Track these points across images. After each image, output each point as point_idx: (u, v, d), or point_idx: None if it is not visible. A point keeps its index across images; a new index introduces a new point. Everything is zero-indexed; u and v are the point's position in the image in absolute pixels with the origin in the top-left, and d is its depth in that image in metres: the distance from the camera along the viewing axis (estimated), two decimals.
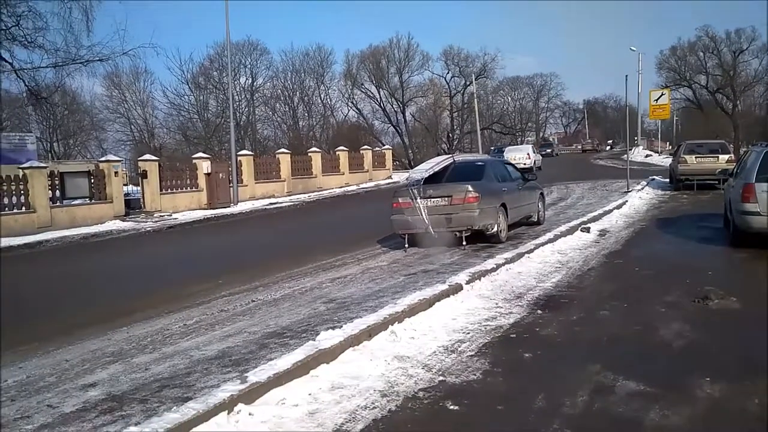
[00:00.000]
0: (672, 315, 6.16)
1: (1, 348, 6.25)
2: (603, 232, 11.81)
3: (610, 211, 14.41)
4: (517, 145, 52.01)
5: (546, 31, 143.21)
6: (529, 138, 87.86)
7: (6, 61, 22.00)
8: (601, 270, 8.65)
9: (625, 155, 27.11)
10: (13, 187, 18.42)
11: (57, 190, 19.82)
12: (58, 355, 6.12)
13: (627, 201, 16.41)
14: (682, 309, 6.38)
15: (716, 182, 18.26)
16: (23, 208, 18.57)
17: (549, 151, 65.85)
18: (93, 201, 20.75)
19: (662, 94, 25.03)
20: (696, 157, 20.26)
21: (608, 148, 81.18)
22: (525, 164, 36.06)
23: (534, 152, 41.25)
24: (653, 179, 23.66)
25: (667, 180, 22.78)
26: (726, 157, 19.92)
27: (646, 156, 47.82)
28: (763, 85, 63.46)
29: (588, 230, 11.65)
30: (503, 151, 39.85)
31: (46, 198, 19.17)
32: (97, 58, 22.77)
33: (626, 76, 22.74)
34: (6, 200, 18.26)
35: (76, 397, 4.86)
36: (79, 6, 22.30)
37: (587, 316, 6.31)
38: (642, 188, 20.35)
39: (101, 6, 30.59)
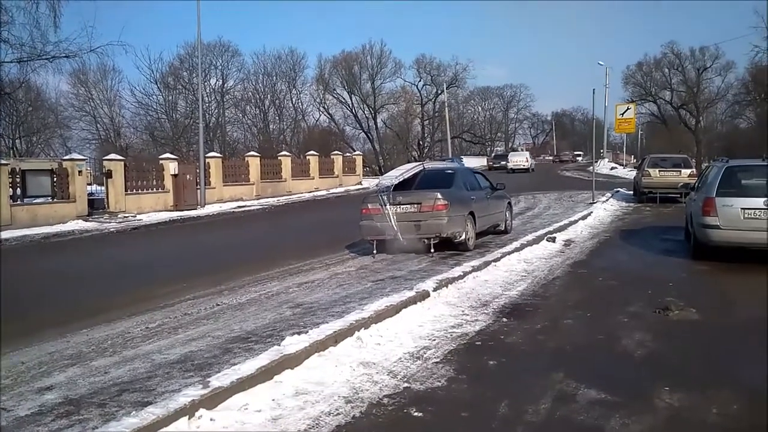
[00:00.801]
0: (634, 325, 6.27)
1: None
2: (568, 242, 11.98)
3: (576, 221, 14.63)
4: (518, 151, 63.62)
5: (517, 43, 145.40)
6: (498, 148, 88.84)
7: None
8: (566, 279, 8.77)
9: (591, 167, 27.59)
10: None
11: (18, 188, 19.32)
12: (14, 357, 5.94)
13: (592, 212, 16.68)
14: (644, 319, 6.50)
15: (678, 195, 18.70)
16: None
17: (503, 163, 53.44)
18: (55, 200, 20.26)
19: (628, 108, 25.49)
20: (659, 171, 20.70)
21: (579, 158, 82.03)
22: (524, 166, 48.32)
23: (530, 157, 52.44)
24: (618, 191, 24.13)
25: (631, 192, 23.24)
26: (688, 171, 20.39)
27: (612, 168, 48.76)
28: (725, 102, 65.23)
29: (554, 240, 11.81)
30: (461, 160, 42.29)
31: (6, 196, 18.66)
32: (64, 55, 22.29)
33: (593, 89, 23.32)
34: None
35: (32, 401, 4.72)
36: (46, 2, 21.85)
37: (551, 325, 6.39)
38: (607, 200, 20.74)
39: (69, 2, 29.90)
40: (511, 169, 49.15)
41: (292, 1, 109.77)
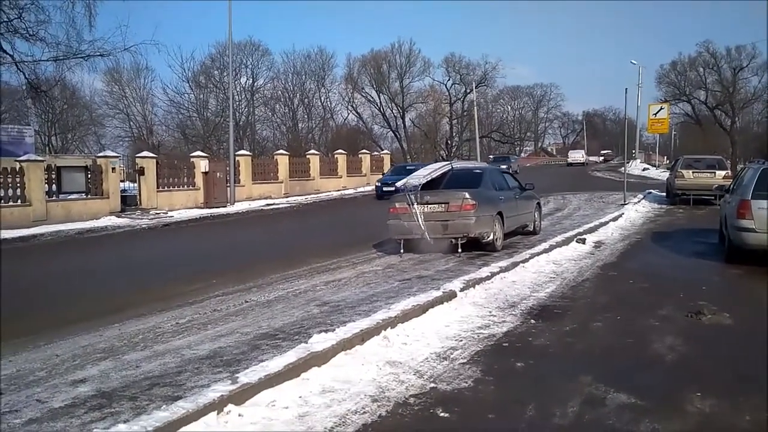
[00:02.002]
0: (665, 329, 6.17)
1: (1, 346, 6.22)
2: (598, 244, 11.83)
3: (606, 223, 14.43)
4: (577, 149, 72.77)
5: (548, 42, 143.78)
6: (527, 147, 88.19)
7: (7, 53, 21.92)
8: (596, 281, 8.66)
9: (623, 168, 27.18)
10: (10, 180, 18.37)
11: (53, 184, 19.78)
12: (49, 350, 6.09)
13: (623, 213, 16.44)
14: (675, 323, 6.39)
15: (712, 198, 18.30)
16: (19, 201, 18.53)
17: (505, 167, 57.38)
18: (89, 196, 20.69)
19: (661, 108, 25.23)
20: (693, 172, 20.32)
21: (601, 159, 78.46)
22: (580, 160, 63.34)
23: (585, 154, 67.68)
24: (650, 192, 23.72)
25: (664, 194, 22.83)
26: (723, 173, 19.99)
27: (644, 169, 47.96)
28: (761, 102, 63.85)
29: (583, 241, 11.67)
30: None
31: (42, 192, 19.12)
32: (98, 53, 22.68)
33: (626, 89, 22.95)
34: (2, 192, 18.20)
35: (66, 393, 4.83)
36: (82, 2, 22.29)
37: (580, 328, 6.31)
38: (638, 201, 20.40)
39: (104, 1, 30.52)
40: (570, 162, 63.17)
41: (321, 1, 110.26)
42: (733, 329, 6.22)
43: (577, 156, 65.50)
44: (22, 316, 7.90)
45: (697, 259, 10.44)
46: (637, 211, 17.74)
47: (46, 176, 19.46)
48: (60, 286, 10.00)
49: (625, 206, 18.71)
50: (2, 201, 18.12)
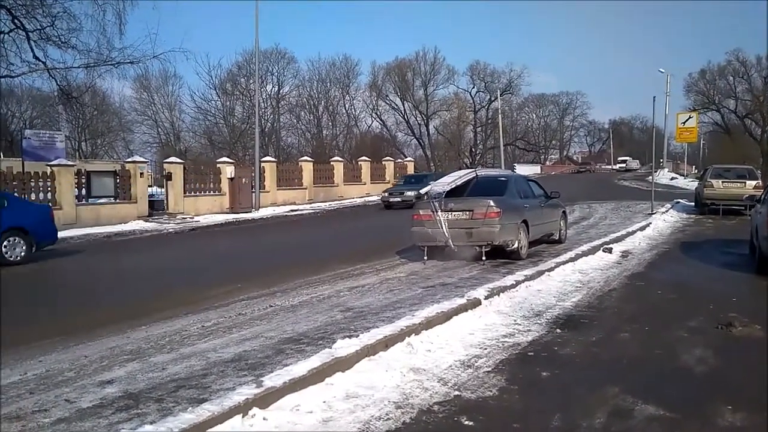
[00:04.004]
0: (694, 340, 6.06)
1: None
2: (625, 254, 11.67)
3: (634, 232, 14.24)
4: (629, 158, 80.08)
5: (574, 50, 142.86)
6: (552, 155, 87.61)
7: (40, 60, 22.50)
8: (623, 291, 8.54)
9: (651, 177, 26.81)
10: (41, 184, 18.76)
11: (83, 189, 20.15)
12: (78, 351, 6.18)
13: (651, 223, 16.21)
14: (705, 335, 6.27)
15: (743, 208, 17.95)
16: (50, 204, 18.90)
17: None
18: (118, 201, 21.05)
19: (690, 117, 24.78)
20: (723, 182, 19.97)
21: (616, 167, 77.54)
22: (631, 168, 72.78)
23: (638, 163, 78.28)
24: (678, 202, 23.36)
25: (693, 204, 22.46)
26: (753, 183, 19.61)
27: (672, 179, 47.33)
28: None
29: (610, 251, 11.52)
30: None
31: (72, 195, 19.50)
32: (128, 61, 23.17)
33: (654, 97, 22.63)
34: (33, 196, 18.59)
35: (94, 393, 4.90)
36: (112, 8, 22.78)
37: (607, 338, 6.23)
38: (666, 211, 20.11)
39: (134, 9, 31.00)
40: (625, 168, 71.53)
41: (346, 8, 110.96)
42: (764, 341, 6.07)
43: (632, 165, 75.33)
44: (52, 317, 8.05)
45: (727, 270, 10.24)
46: (665, 221, 17.48)
47: (76, 181, 19.86)
48: (88, 289, 10.16)
49: (653, 216, 18.45)
50: None
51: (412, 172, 37.03)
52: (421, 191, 23.60)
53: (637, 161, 79.29)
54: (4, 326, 7.02)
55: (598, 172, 70.61)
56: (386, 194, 27.43)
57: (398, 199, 26.16)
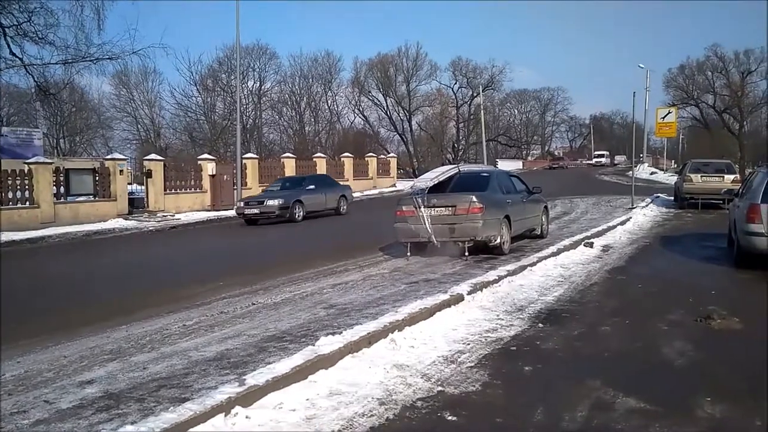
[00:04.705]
0: (674, 333, 6.13)
1: (1, 344, 6.23)
2: (606, 248, 11.77)
3: (614, 227, 14.37)
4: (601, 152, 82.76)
5: (555, 45, 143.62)
6: (534, 150, 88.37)
7: (16, 56, 22.16)
8: (604, 285, 8.62)
9: (630, 172, 27.08)
10: (18, 182, 18.48)
11: (61, 187, 19.88)
12: (57, 351, 6.10)
13: (631, 217, 16.37)
14: (685, 327, 6.34)
15: (721, 202, 18.20)
16: (27, 203, 18.65)
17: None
18: (97, 198, 20.82)
19: (669, 112, 25.10)
20: (701, 176, 20.21)
21: (593, 161, 77.65)
22: (603, 162, 75.40)
23: (608, 156, 79.85)
24: (658, 197, 23.62)
25: (672, 198, 22.74)
26: (732, 177, 19.88)
27: (651, 173, 47.83)
28: None
29: (591, 245, 11.61)
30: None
31: (50, 194, 19.24)
32: (107, 57, 22.85)
33: (634, 93, 22.78)
34: (11, 195, 18.31)
35: (73, 394, 4.84)
36: (91, 4, 22.47)
37: (589, 332, 6.28)
38: (646, 205, 20.32)
39: (113, 5, 30.65)
40: (594, 163, 73.79)
41: (328, 4, 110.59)
42: (743, 334, 6.16)
43: (599, 159, 76.75)
44: (30, 317, 7.93)
45: (706, 264, 10.37)
46: (645, 215, 17.66)
47: (55, 178, 19.59)
48: (68, 288, 10.03)
49: (633, 210, 18.65)
50: (11, 203, 18.21)
51: (395, 169, 36.87)
52: (280, 202, 19.43)
53: (623, 157, 78.73)
54: None
55: (578, 168, 70.02)
56: (242, 204, 20.82)
57: (256, 211, 19.88)
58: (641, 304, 7.54)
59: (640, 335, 6.10)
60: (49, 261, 13.52)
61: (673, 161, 71.59)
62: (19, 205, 18.39)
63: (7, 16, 21.72)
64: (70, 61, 22.86)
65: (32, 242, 15.98)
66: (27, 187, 18.64)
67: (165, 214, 22.07)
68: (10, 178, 18.30)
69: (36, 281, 11.06)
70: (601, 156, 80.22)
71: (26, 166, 19.05)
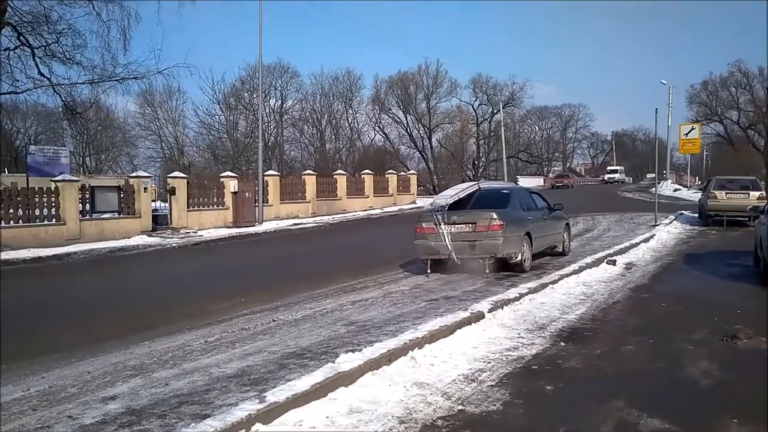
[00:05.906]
0: (699, 353, 6.02)
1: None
2: (629, 266, 11.63)
3: (637, 244, 14.20)
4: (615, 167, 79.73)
5: (576, 62, 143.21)
6: (555, 167, 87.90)
7: (44, 76, 22.67)
8: (627, 304, 8.51)
9: (654, 188, 26.78)
10: (45, 199, 18.81)
11: (87, 204, 20.18)
12: (81, 367, 6.18)
13: (655, 235, 16.16)
14: (710, 347, 6.24)
15: (747, 219, 17.91)
16: (53, 220, 18.93)
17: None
18: (121, 215, 21.06)
19: (692, 129, 24.75)
20: (726, 193, 19.93)
21: (605, 177, 74.52)
22: (616, 179, 71.81)
23: (623, 172, 76.69)
24: (682, 214, 23.32)
25: (696, 215, 22.41)
26: (757, 194, 19.56)
27: (675, 190, 47.28)
28: None
29: (614, 263, 11.49)
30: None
31: (76, 211, 19.52)
32: (132, 76, 23.28)
33: (656, 109, 22.66)
34: (37, 212, 18.64)
35: (96, 410, 4.89)
36: (117, 25, 22.96)
37: (611, 351, 6.20)
38: (670, 222, 20.06)
39: (138, 25, 31.29)
40: (606, 180, 72.41)
41: (349, 23, 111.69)
42: None
43: (614, 175, 73.52)
44: (55, 332, 8.04)
45: (731, 282, 10.20)
46: (668, 233, 17.43)
47: (80, 196, 19.88)
48: (92, 304, 10.15)
49: (657, 227, 18.41)
50: (38, 220, 18.55)
51: (415, 186, 36.54)
52: None
53: (628, 176, 76.74)
54: (4, 341, 7.01)
55: (585, 186, 65.99)
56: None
57: None
58: (665, 322, 7.43)
59: (664, 354, 6.00)
60: (75, 277, 13.71)
61: (696, 178, 70.55)
62: (45, 222, 18.69)
63: (36, 38, 22.27)
64: (96, 80, 23.36)
65: (58, 258, 16.22)
66: (53, 204, 18.95)
67: (188, 230, 22.28)
68: (37, 195, 18.64)
69: (62, 297, 11.20)
70: (614, 172, 75.42)
71: (53, 183, 19.40)
